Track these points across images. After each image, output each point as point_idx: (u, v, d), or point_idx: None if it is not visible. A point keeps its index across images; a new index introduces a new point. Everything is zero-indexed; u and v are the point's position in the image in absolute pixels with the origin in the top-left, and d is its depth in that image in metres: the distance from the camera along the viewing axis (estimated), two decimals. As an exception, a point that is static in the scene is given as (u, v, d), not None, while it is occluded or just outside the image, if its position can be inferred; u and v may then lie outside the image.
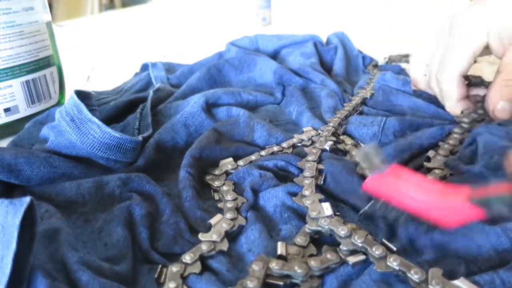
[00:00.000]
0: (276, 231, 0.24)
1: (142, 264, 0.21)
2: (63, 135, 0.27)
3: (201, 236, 0.22)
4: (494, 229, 0.21)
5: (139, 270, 0.21)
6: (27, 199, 0.17)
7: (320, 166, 0.28)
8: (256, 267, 0.20)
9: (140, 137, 0.29)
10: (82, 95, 0.30)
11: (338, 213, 0.24)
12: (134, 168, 0.28)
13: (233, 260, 0.21)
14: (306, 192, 0.25)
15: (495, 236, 0.20)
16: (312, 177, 0.26)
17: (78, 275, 0.18)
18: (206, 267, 0.21)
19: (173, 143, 0.31)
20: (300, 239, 0.22)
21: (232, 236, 0.23)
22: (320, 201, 0.24)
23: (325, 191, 0.26)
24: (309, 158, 0.29)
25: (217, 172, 0.29)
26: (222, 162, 0.29)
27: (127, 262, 0.21)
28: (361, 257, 0.21)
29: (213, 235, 0.22)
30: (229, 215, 0.24)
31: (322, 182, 0.27)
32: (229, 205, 0.25)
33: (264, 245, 0.22)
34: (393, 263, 0.20)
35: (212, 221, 0.23)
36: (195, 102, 0.33)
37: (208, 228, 0.23)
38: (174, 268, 0.20)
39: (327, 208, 0.24)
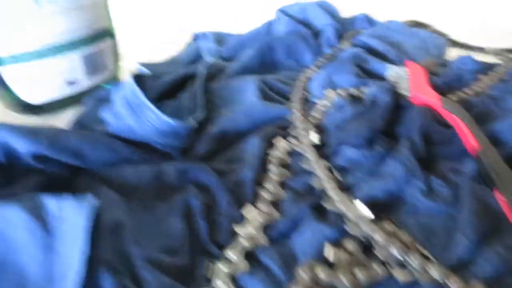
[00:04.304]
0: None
1: (200, 256, 0.22)
2: (122, 120, 0.27)
3: (236, 228, 0.22)
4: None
5: (197, 262, 0.21)
6: (94, 201, 0.18)
7: (324, 163, 0.26)
8: (303, 274, 0.19)
9: (194, 122, 0.29)
10: (139, 78, 0.30)
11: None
12: (194, 156, 0.29)
13: (284, 257, 0.21)
14: (332, 193, 0.23)
15: None
16: (328, 177, 0.25)
17: (142, 272, 0.19)
18: (256, 261, 0.21)
19: (236, 133, 0.31)
20: (349, 244, 0.21)
21: (269, 228, 0.23)
22: (351, 200, 0.23)
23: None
24: (308, 156, 0.27)
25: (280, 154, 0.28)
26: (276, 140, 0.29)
27: (186, 254, 0.21)
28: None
29: (249, 228, 0.22)
30: (264, 208, 0.23)
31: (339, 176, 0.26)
32: (266, 196, 0.24)
33: (315, 246, 0.21)
34: (434, 272, 0.19)
35: (245, 212, 0.23)
36: (252, 93, 0.33)
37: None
38: (221, 266, 0.20)
39: (362, 207, 0.22)
